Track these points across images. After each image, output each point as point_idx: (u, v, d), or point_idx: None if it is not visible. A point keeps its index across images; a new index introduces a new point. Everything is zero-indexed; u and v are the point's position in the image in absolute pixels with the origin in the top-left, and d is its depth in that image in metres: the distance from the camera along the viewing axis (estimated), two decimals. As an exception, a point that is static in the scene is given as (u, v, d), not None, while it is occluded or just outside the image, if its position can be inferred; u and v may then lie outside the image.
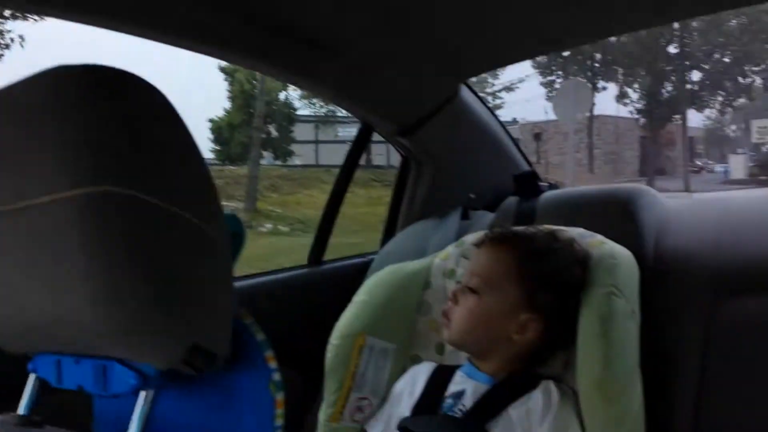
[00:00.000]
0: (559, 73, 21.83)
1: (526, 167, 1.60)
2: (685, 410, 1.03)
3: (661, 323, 1.10)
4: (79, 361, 0.51)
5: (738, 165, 21.94)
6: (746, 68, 21.49)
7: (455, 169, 1.58)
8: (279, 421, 0.55)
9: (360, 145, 1.57)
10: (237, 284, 1.40)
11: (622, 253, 1.06)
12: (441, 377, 1.08)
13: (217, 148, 15.21)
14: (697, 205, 1.31)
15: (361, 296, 1.19)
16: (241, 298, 1.32)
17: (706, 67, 21.79)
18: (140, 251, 0.43)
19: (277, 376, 0.55)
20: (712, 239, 1.14)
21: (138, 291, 0.42)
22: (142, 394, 0.50)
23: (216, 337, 0.50)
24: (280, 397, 0.55)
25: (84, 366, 0.51)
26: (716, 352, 1.04)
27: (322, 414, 1.12)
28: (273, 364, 0.55)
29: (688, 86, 21.91)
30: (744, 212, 1.19)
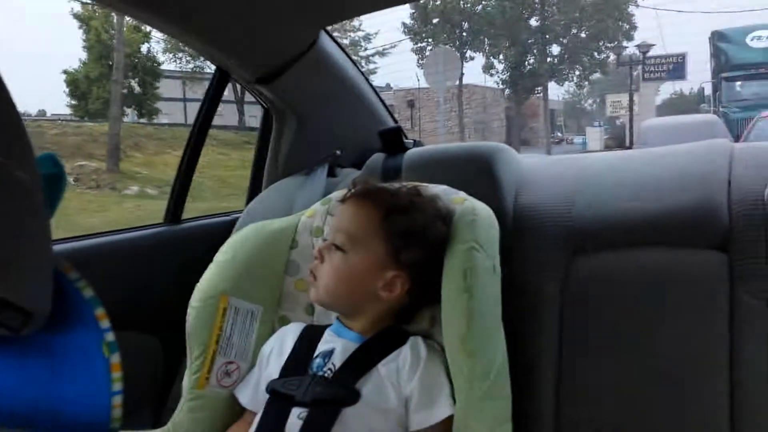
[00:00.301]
0: (430, 40, 22.29)
1: (392, 124, 1.59)
2: (547, 362, 1.08)
3: (522, 278, 1.14)
4: None
5: (594, 137, 23.67)
6: (601, 44, 23.09)
7: (319, 123, 1.54)
8: (117, 386, 0.49)
9: (217, 91, 1.48)
10: (86, 243, 1.31)
11: (482, 209, 1.08)
12: (310, 337, 1.06)
13: (74, 102, 14.10)
14: (554, 164, 1.37)
15: (223, 255, 1.14)
16: (90, 258, 1.22)
17: (565, 41, 23.17)
18: None
19: (110, 336, 0.49)
20: (568, 197, 1.20)
21: None
22: None
23: (29, 291, 0.44)
24: (115, 359, 0.49)
25: None
26: (572, 305, 1.10)
27: (187, 381, 1.07)
28: (105, 322, 0.50)
29: (549, 59, 23.19)
30: (599, 172, 1.25)
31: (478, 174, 1.20)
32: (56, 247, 0.49)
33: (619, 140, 21.48)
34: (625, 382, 1.03)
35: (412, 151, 1.34)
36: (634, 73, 19.92)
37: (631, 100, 18.44)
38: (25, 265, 0.44)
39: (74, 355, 0.50)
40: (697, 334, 1.01)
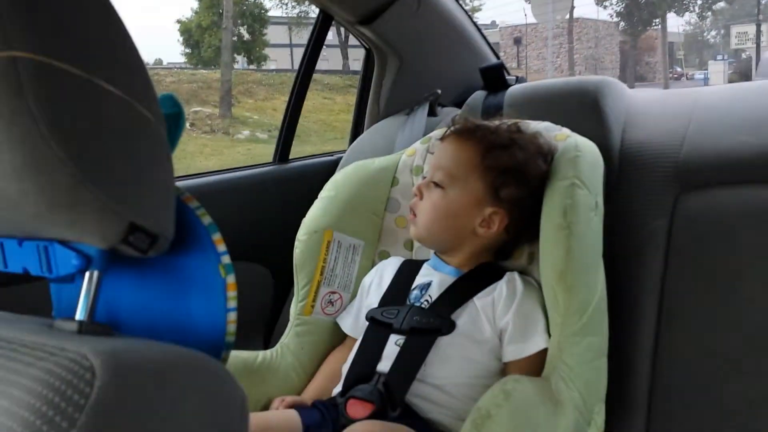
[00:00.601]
0: (538, -28, 21.10)
1: (494, 60, 1.56)
2: (649, 301, 1.06)
3: (626, 216, 1.11)
4: (22, 244, 0.50)
5: (717, 72, 21.82)
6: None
7: (420, 62, 1.53)
8: (232, 303, 0.54)
9: (320, 33, 1.51)
10: (202, 180, 1.40)
11: (586, 145, 1.05)
12: (408, 270, 1.09)
13: (188, 51, 14.69)
14: (664, 98, 1.30)
15: (327, 192, 1.19)
16: (205, 194, 1.32)
17: (686, -33, 21.21)
18: (61, 122, 0.41)
19: (226, 259, 0.54)
20: (678, 132, 1.14)
21: (64, 164, 0.41)
22: (87, 275, 0.49)
23: (156, 216, 0.48)
24: (231, 279, 0.54)
25: (27, 248, 0.50)
26: (679, 244, 1.06)
27: (294, 308, 1.14)
28: (222, 247, 0.54)
29: (668, -12, 21.38)
30: (711, 106, 1.18)
31: (583, 109, 1.17)
32: (176, 184, 0.53)
33: (744, 75, 19.69)
34: (729, 316, 0.99)
35: (514, 88, 1.32)
36: (763, 1, 17.97)
37: (758, 30, 16.74)
38: (152, 193, 0.49)
39: (194, 276, 0.55)
40: None
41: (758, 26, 16.80)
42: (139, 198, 0.47)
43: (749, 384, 0.96)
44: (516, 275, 1.01)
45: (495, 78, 1.38)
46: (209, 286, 0.55)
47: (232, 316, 0.55)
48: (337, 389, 1.00)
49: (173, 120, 0.56)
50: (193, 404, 0.45)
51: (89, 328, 0.49)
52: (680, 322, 1.03)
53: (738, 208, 1.03)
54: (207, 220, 0.55)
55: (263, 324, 1.43)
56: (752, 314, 0.98)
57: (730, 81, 19.94)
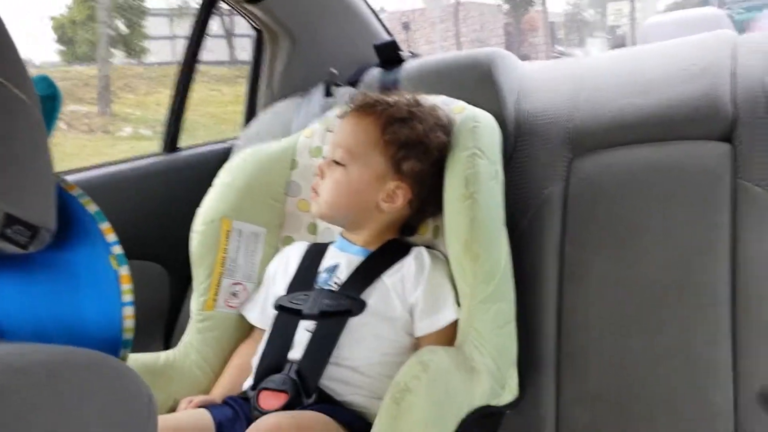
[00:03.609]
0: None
1: (386, 37, 1.54)
2: (551, 262, 1.08)
3: (524, 183, 1.14)
4: None
5: (595, 49, 23.05)
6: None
7: (313, 42, 1.49)
8: (127, 297, 0.50)
9: (205, 16, 1.43)
10: (84, 174, 1.30)
11: (483, 116, 1.06)
12: (314, 254, 1.06)
13: (62, 48, 13.81)
14: (555, 67, 1.34)
15: (222, 179, 1.13)
16: (89, 189, 1.22)
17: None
18: None
19: (117, 249, 0.49)
20: (569, 98, 1.18)
21: None
22: None
23: (35, 206, 0.43)
24: (124, 271, 0.49)
25: None
26: (574, 208, 1.09)
27: (195, 303, 1.09)
28: (111, 236, 0.49)
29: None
30: (600, 72, 1.23)
31: (477, 81, 1.18)
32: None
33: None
34: (627, 272, 1.04)
35: (409, 63, 1.31)
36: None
37: (632, 6, 17.87)
38: (29, 180, 0.44)
39: (82, 271, 0.50)
40: (700, 224, 1.01)
41: (632, 2, 17.87)
42: (14, 186, 0.42)
43: (649, 338, 1.01)
44: (423, 250, 1.01)
45: (389, 54, 1.37)
46: (100, 280, 0.50)
47: (129, 311, 0.50)
48: (248, 383, 0.96)
49: (49, 102, 0.52)
50: (94, 406, 0.41)
51: None
52: (580, 283, 1.07)
53: (628, 169, 1.08)
54: (93, 208, 0.50)
55: (162, 324, 1.35)
56: (646, 270, 1.03)
57: (607, 57, 21.07)
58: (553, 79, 1.24)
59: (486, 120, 1.06)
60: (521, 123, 1.18)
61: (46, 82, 0.52)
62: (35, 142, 0.45)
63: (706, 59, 1.12)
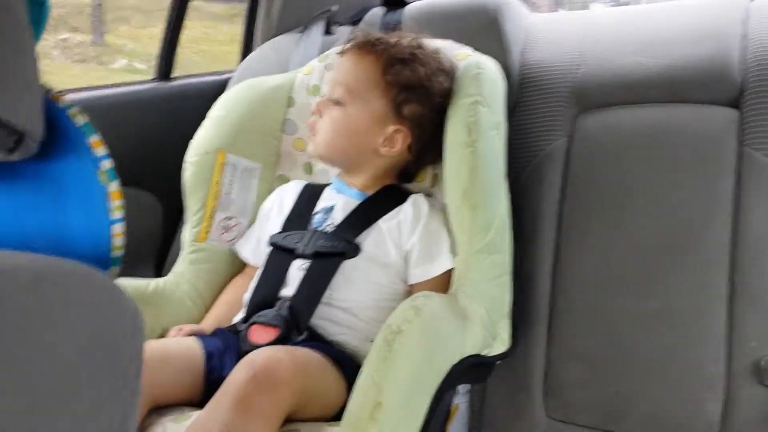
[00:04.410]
0: None
1: None
2: (549, 220, 1.08)
3: (526, 136, 1.12)
4: None
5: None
6: None
7: None
8: (117, 214, 0.48)
9: None
10: (76, 96, 1.26)
11: (488, 63, 1.03)
12: (310, 194, 1.05)
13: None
14: (563, 19, 1.30)
15: (217, 111, 1.10)
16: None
17: None
18: None
19: (106, 164, 0.47)
20: (576, 52, 1.15)
21: None
22: None
23: (20, 109, 0.41)
24: (114, 187, 0.47)
25: None
26: (576, 164, 1.08)
27: (187, 234, 1.07)
28: (101, 150, 0.47)
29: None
30: (608, 27, 1.20)
31: (483, 28, 1.14)
32: None
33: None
34: (624, 232, 1.03)
35: (413, 5, 1.27)
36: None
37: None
38: (13, 83, 0.42)
39: (69, 184, 0.48)
40: (701, 189, 1.00)
41: (636, -33, 17.53)
42: None
43: (642, 300, 1.01)
44: (421, 197, 1.00)
45: None
46: (88, 194, 0.48)
47: (118, 228, 0.48)
48: (239, 317, 0.95)
49: (36, 7, 0.48)
50: (78, 315, 0.40)
51: None
52: (577, 240, 1.06)
53: (631, 128, 1.06)
54: (81, 120, 0.48)
55: (154, 253, 1.34)
56: (644, 231, 1.02)
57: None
58: (560, 31, 1.21)
59: (490, 68, 1.03)
60: (526, 75, 1.16)
61: None
62: (18, 42, 0.42)
63: (717, 22, 1.10)
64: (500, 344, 0.93)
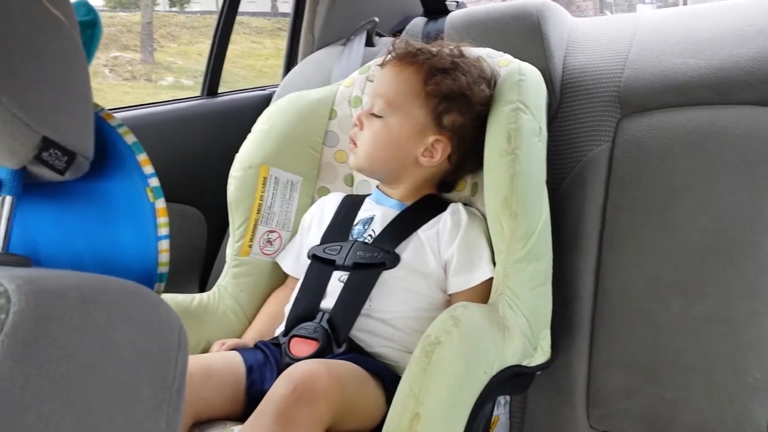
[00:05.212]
0: None
1: None
2: (592, 227, 1.06)
3: (568, 142, 1.10)
4: None
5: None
6: None
7: None
8: (163, 231, 0.49)
9: None
10: (122, 114, 1.30)
11: (530, 70, 1.03)
12: (350, 205, 1.05)
13: (106, -6, 13.85)
14: (605, 23, 1.28)
15: (261, 125, 1.12)
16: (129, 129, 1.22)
17: None
18: None
19: (154, 182, 0.49)
20: (619, 57, 1.13)
21: None
22: None
23: (73, 131, 0.43)
24: (161, 204, 0.49)
25: None
26: (620, 169, 1.06)
27: (230, 248, 1.09)
28: (149, 168, 0.49)
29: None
30: (653, 30, 1.17)
31: (525, 34, 1.13)
32: None
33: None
34: (669, 237, 1.01)
35: (455, 14, 1.27)
36: (693, -58, 18.31)
37: (686, -27, 17.06)
38: (66, 104, 0.43)
39: (118, 201, 0.50)
40: (747, 192, 0.97)
41: (684, -31, 17.09)
42: (51, 108, 0.41)
43: (688, 306, 0.98)
44: (460, 206, 0.99)
45: (435, 3, 1.33)
46: (136, 211, 0.49)
47: (164, 245, 0.50)
48: (280, 329, 0.96)
49: (89, 29, 0.50)
50: (125, 332, 0.41)
51: (4, 259, 0.43)
52: (621, 246, 1.04)
53: (677, 131, 1.04)
54: (131, 138, 0.50)
55: (198, 268, 1.37)
56: (689, 235, 1.00)
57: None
58: (602, 35, 1.19)
59: (532, 74, 1.02)
60: (568, 80, 1.14)
61: (85, 8, 0.51)
62: (72, 65, 0.44)
63: (763, 20, 1.06)
64: (541, 354, 0.91)
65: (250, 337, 1.01)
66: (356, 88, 1.16)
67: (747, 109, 1.01)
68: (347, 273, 0.95)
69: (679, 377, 0.98)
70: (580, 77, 1.13)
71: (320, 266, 0.98)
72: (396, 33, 1.37)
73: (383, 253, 0.95)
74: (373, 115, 1.00)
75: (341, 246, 0.98)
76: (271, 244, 1.09)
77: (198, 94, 1.47)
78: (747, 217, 0.97)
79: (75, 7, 0.48)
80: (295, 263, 1.06)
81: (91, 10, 0.51)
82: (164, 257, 0.50)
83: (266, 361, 0.90)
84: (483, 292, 0.93)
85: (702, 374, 0.97)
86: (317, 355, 0.87)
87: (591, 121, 1.10)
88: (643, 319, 1.01)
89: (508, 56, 1.07)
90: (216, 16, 1.43)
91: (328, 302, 0.93)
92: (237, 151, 1.11)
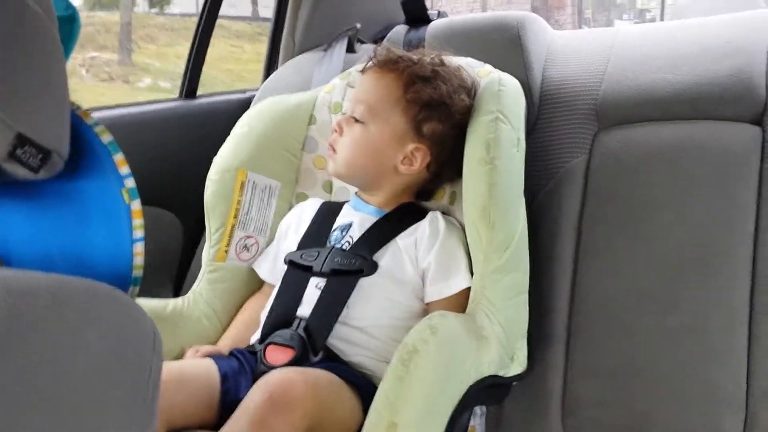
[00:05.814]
0: None
1: None
2: (568, 238, 1.06)
3: (546, 153, 1.11)
4: None
5: (622, 32, 22.35)
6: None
7: None
8: (138, 233, 0.48)
9: None
10: (100, 114, 1.28)
11: (509, 80, 1.03)
12: (328, 211, 1.05)
13: (84, -7, 13.69)
14: (584, 37, 1.30)
15: (239, 128, 1.11)
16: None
17: None
18: None
19: (130, 182, 0.48)
20: (598, 69, 1.14)
21: None
22: None
23: (48, 128, 0.42)
24: (136, 206, 0.48)
25: None
26: (596, 181, 1.07)
27: (206, 253, 1.07)
28: (125, 169, 0.48)
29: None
30: (631, 44, 1.19)
31: (505, 45, 1.14)
32: None
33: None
34: (644, 250, 1.02)
35: (436, 23, 1.27)
36: (669, -41, 18.64)
37: (663, -9, 17.36)
38: (42, 101, 0.42)
39: (93, 201, 0.49)
40: (722, 206, 0.99)
41: (664, -14, 17.34)
42: (27, 104, 0.40)
43: (662, 317, 0.99)
44: (438, 214, 0.99)
45: (417, 12, 1.33)
46: (111, 213, 0.48)
47: (139, 248, 0.49)
48: (255, 337, 0.95)
49: (67, 24, 0.49)
50: (98, 334, 0.41)
51: None
52: (596, 258, 1.05)
53: (654, 145, 1.05)
54: (107, 138, 0.48)
55: (173, 272, 1.35)
56: (664, 248, 1.01)
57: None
58: (581, 49, 1.21)
59: (512, 85, 1.03)
60: (547, 91, 1.15)
61: (64, 3, 0.50)
62: (49, 60, 0.43)
63: (741, 38, 1.08)
64: (517, 365, 0.92)
65: (224, 344, 1.00)
66: (336, 93, 1.15)
67: (723, 124, 1.03)
68: (324, 280, 0.94)
69: (651, 388, 0.99)
70: (558, 89, 1.15)
71: (297, 272, 0.97)
72: (377, 40, 1.37)
73: (361, 260, 0.94)
74: (354, 119, 1.00)
75: (319, 252, 0.97)
76: (248, 250, 1.08)
77: (173, 95, 1.45)
78: (721, 230, 0.98)
79: (54, 2, 0.47)
80: (272, 269, 1.05)
81: (70, 5, 0.50)
82: (139, 260, 0.49)
83: (241, 369, 0.89)
84: (460, 302, 0.92)
85: (674, 386, 0.98)
86: (293, 363, 0.86)
87: (568, 133, 1.11)
88: (618, 329, 1.02)
89: (488, 66, 1.07)
90: (196, 19, 1.41)
91: (305, 309, 0.92)
92: (215, 155, 1.09)
